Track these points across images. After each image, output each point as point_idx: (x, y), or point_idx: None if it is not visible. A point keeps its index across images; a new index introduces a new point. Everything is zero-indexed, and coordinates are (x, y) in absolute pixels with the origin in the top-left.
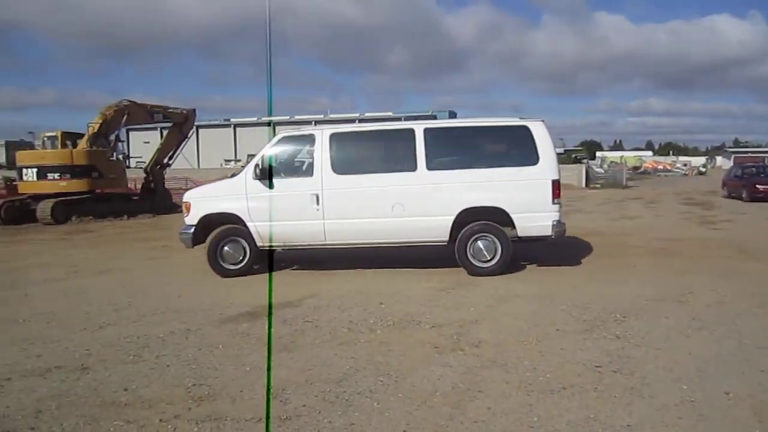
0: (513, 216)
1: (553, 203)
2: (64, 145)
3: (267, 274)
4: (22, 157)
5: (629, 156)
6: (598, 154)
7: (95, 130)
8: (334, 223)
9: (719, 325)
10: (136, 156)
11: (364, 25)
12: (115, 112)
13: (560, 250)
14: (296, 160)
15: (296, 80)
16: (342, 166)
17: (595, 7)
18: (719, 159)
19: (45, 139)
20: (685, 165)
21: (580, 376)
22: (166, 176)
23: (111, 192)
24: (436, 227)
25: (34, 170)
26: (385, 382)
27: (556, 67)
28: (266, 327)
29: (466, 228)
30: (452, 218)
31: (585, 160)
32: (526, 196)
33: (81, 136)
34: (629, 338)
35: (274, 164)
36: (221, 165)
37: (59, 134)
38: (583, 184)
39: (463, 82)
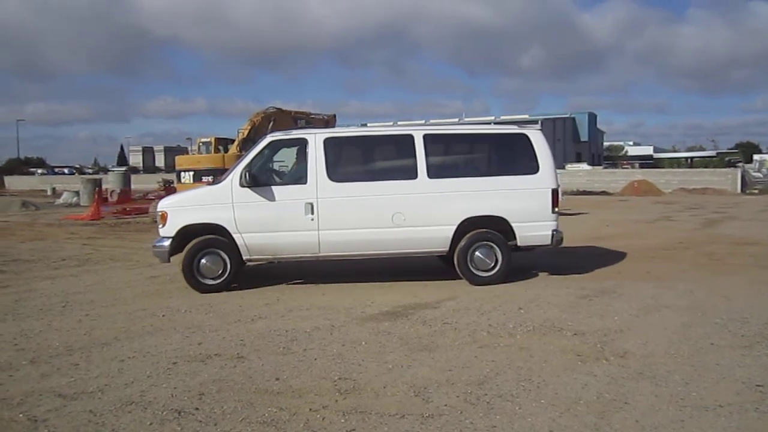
0: (513, 225)
1: (553, 212)
2: (216, 150)
3: (402, 279)
4: (180, 161)
5: None
6: (756, 156)
7: (244, 136)
8: (330, 233)
9: None
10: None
11: (497, 26)
12: (263, 119)
13: (712, 260)
14: (288, 166)
15: (429, 84)
16: (338, 173)
17: None
18: None
19: (200, 144)
20: None
21: (739, 394)
22: None
23: None
24: (438, 237)
25: (191, 173)
26: (526, 387)
27: (704, 63)
28: (407, 326)
29: (466, 237)
30: (454, 227)
31: (740, 164)
32: (527, 205)
33: (232, 141)
34: None
35: (264, 170)
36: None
37: (212, 140)
38: (738, 190)
39: (601, 82)
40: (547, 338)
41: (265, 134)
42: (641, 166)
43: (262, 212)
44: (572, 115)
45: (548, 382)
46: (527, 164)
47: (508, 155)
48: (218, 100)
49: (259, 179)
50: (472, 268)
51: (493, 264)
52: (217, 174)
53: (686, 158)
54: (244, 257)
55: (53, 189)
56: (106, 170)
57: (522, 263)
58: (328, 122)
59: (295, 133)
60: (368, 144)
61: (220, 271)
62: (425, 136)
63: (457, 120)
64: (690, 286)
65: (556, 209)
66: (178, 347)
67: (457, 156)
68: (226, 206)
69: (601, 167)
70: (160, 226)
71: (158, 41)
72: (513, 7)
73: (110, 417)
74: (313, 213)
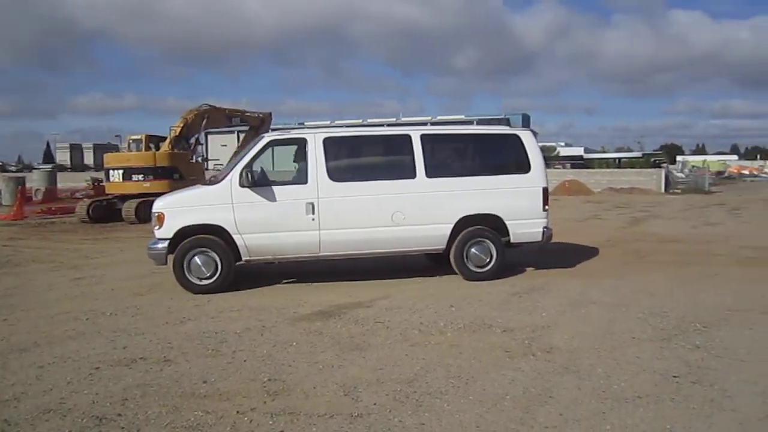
0: (507, 222)
1: (543, 210)
2: (147, 148)
3: (338, 279)
4: (109, 159)
5: (712, 160)
6: (679, 158)
7: (177, 133)
8: (331, 233)
9: None
10: (213, 159)
11: (432, 27)
12: (196, 116)
13: (637, 257)
14: (288, 166)
15: (366, 83)
16: (338, 173)
17: (670, 4)
18: None
19: (130, 141)
20: None
21: (657, 385)
22: None
23: None
24: (436, 235)
25: (120, 172)
26: (455, 384)
27: (629, 68)
28: (339, 326)
29: (462, 234)
30: (452, 225)
31: (664, 165)
32: (520, 203)
33: (163, 139)
34: (710, 349)
35: (263, 171)
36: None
37: (143, 137)
38: (662, 189)
39: (534, 84)
40: (477, 335)
41: (198, 131)
42: (572, 167)
43: (263, 212)
44: (507, 116)
45: (477, 379)
46: (519, 164)
47: (501, 155)
48: (150, 96)
49: (259, 179)
50: (468, 265)
51: (488, 260)
52: (148, 172)
53: (614, 159)
54: (244, 258)
55: None
56: (31, 168)
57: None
58: (264, 120)
59: (295, 133)
60: (367, 144)
61: (210, 272)
62: (422, 136)
63: (394, 120)
64: (615, 282)
65: (547, 207)
66: (102, 351)
67: (453, 156)
68: (225, 207)
69: None
70: (156, 227)
71: (86, 34)
72: (448, 8)
73: (26, 426)
74: (314, 213)
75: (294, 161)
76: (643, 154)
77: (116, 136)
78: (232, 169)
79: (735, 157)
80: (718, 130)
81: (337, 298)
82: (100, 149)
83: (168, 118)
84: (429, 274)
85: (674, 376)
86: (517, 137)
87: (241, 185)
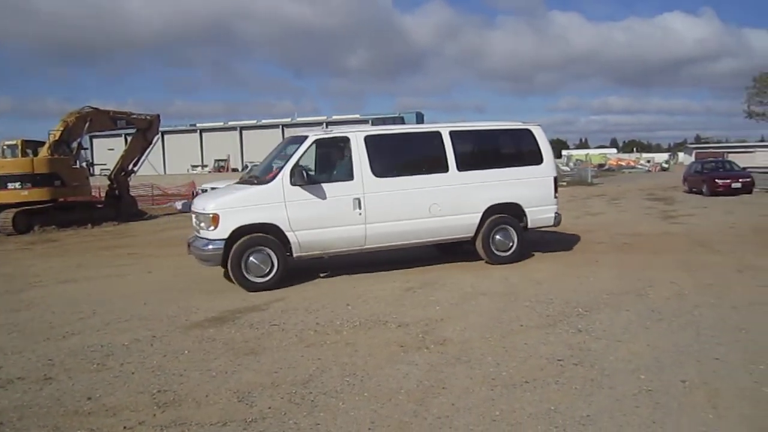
0: (526, 210)
1: (555, 197)
2: (24, 154)
3: (234, 281)
4: None
5: (594, 154)
6: (564, 152)
7: (57, 138)
8: (376, 226)
9: (678, 317)
10: (100, 163)
11: (323, 28)
12: (77, 119)
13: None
14: (333, 163)
15: (258, 84)
16: (381, 169)
17: (549, 6)
18: (681, 155)
19: (4, 147)
20: (648, 161)
21: (542, 370)
22: (131, 183)
23: (74, 200)
24: (467, 224)
25: None
26: (350, 382)
27: (515, 67)
28: (233, 331)
29: (488, 222)
30: (480, 214)
31: None
32: (536, 192)
33: (42, 144)
34: (590, 331)
35: (312, 169)
36: (188, 170)
37: (19, 143)
38: None
39: (425, 83)
40: (372, 332)
41: (80, 135)
42: None
43: (314, 209)
44: (401, 115)
45: (372, 375)
46: (533, 156)
47: (517, 148)
48: (26, 99)
49: (309, 177)
50: (494, 250)
51: (510, 244)
52: (26, 180)
53: None
54: (296, 255)
55: None
56: None
57: (346, 262)
58: (152, 122)
59: (337, 132)
60: (402, 141)
61: (267, 269)
62: (451, 133)
63: (289, 120)
64: (504, 273)
65: (557, 195)
66: None
67: (478, 150)
68: (278, 205)
69: None
70: (210, 228)
71: None
72: (339, 9)
73: None
74: (360, 208)
75: (339, 159)
76: None
77: None
78: (281, 168)
79: (614, 150)
80: (599, 126)
81: (232, 303)
82: None
83: (47, 122)
84: (326, 275)
85: (558, 360)
86: (529, 132)
87: (293, 184)
